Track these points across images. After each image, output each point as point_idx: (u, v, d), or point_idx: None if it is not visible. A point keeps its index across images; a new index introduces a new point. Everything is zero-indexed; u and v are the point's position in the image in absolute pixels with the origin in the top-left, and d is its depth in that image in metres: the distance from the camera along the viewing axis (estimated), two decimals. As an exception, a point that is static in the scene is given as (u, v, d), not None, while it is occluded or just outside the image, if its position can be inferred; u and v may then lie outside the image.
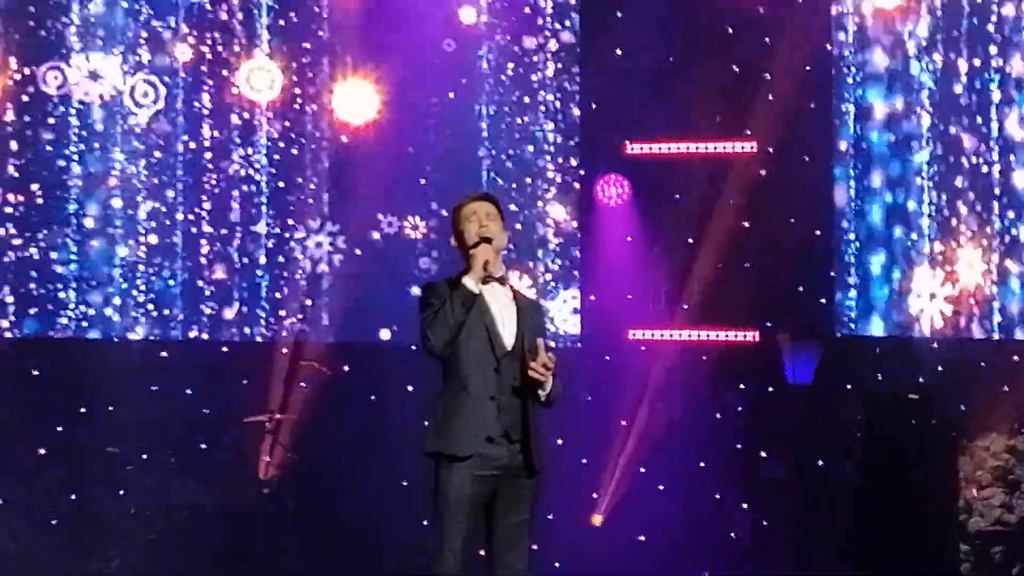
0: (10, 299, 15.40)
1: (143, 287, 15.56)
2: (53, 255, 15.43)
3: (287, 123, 15.86)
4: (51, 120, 15.50)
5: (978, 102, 16.21)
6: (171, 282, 15.62)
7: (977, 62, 16.23)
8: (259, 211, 15.82)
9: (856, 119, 16.23)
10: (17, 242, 15.41)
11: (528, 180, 16.16)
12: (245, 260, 15.77)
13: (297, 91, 15.94)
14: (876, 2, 16.18)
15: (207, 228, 15.71)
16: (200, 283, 15.72)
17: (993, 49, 16.28)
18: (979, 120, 16.23)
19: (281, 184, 15.84)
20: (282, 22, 15.93)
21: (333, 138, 15.91)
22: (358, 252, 15.91)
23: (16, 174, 15.45)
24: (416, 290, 11.03)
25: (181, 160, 15.74)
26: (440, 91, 15.95)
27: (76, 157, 15.51)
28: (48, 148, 15.48)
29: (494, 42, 16.11)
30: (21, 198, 15.42)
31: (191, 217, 15.70)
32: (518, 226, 15.73)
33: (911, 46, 16.27)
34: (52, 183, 15.47)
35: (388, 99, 15.89)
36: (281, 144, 15.89)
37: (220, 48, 15.83)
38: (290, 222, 15.83)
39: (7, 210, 15.41)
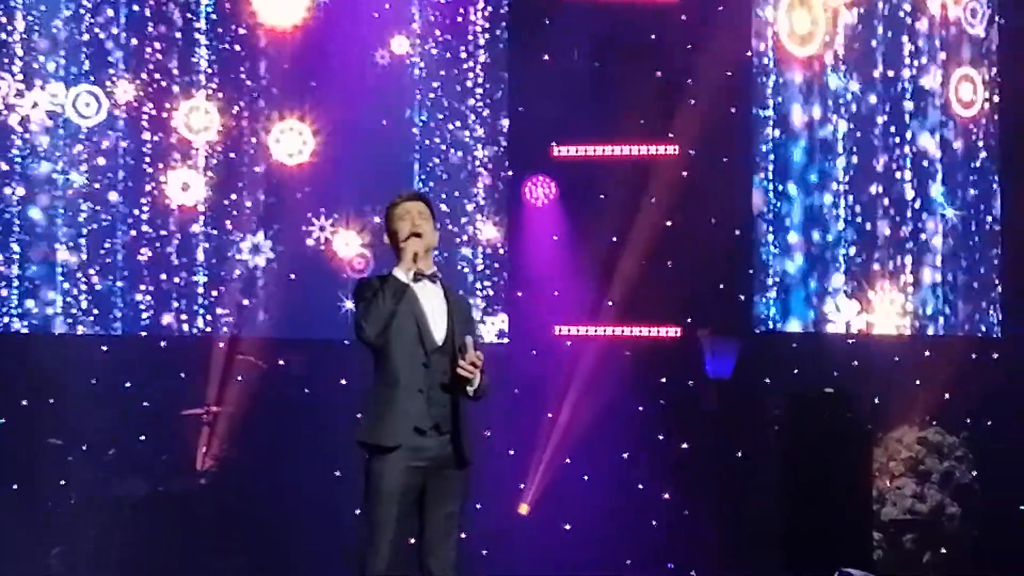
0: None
1: (84, 286, 15.36)
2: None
3: (228, 153, 15.76)
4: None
5: (892, 112, 16.39)
6: (110, 281, 15.43)
7: (891, 73, 16.41)
8: (198, 213, 15.63)
9: (775, 125, 16.30)
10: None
11: (458, 182, 16.09)
12: (183, 260, 15.58)
13: (234, 130, 15.82)
14: (793, 16, 16.24)
15: (146, 229, 15.50)
16: (140, 283, 15.53)
17: (906, 61, 16.47)
18: (893, 130, 16.41)
19: (219, 189, 15.66)
20: (216, 62, 15.78)
21: (269, 158, 15.82)
22: (293, 253, 15.77)
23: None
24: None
25: (122, 166, 15.51)
26: (372, 100, 15.84)
27: (19, 162, 15.28)
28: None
29: (425, 52, 16.02)
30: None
31: (131, 219, 15.50)
32: (449, 227, 15.68)
33: (828, 57, 16.39)
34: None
35: (322, 121, 15.82)
36: (219, 156, 15.73)
37: (159, 78, 15.71)
38: (228, 224, 15.66)
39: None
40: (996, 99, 16.88)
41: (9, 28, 15.30)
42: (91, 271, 15.45)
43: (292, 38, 15.89)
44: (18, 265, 15.30)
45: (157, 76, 15.64)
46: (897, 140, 16.50)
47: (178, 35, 15.69)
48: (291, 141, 15.86)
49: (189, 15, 15.69)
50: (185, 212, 15.66)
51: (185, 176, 15.66)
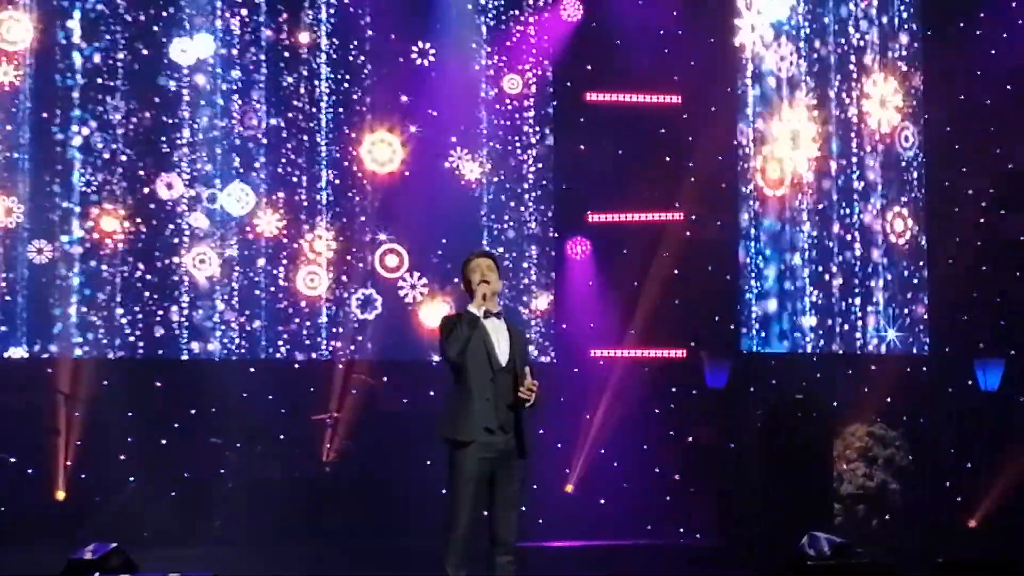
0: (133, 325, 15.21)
1: (236, 327, 15.38)
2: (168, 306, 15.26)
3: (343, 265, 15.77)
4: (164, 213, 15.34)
5: (843, 193, 16.36)
6: (256, 324, 15.45)
7: (843, 162, 16.38)
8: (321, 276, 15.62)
9: (755, 199, 16.23)
10: (151, 297, 15.23)
11: (518, 241, 16.09)
12: (311, 306, 15.56)
13: (346, 252, 15.77)
14: (770, 112, 16.23)
15: (282, 282, 15.48)
16: (278, 324, 15.55)
17: (854, 147, 16.46)
18: (844, 206, 16.38)
19: (337, 281, 15.67)
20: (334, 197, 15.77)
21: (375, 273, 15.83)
22: (393, 306, 15.77)
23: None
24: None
25: (262, 254, 15.56)
26: (451, 203, 15.91)
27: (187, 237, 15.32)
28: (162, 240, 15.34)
29: (491, 149, 16.06)
30: (142, 266, 15.22)
31: (275, 288, 15.51)
32: (510, 275, 15.73)
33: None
34: (170, 252, 15.28)
35: (414, 241, 15.87)
36: (336, 263, 15.75)
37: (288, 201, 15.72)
38: (344, 279, 15.63)
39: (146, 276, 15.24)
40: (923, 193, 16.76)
41: (179, 140, 15.29)
42: (242, 318, 15.43)
43: (390, 179, 15.84)
44: (186, 315, 15.29)
45: (285, 199, 15.62)
46: (848, 216, 16.44)
47: (303, 165, 15.70)
48: (390, 261, 15.84)
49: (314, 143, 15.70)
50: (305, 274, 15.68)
51: (313, 270, 15.62)
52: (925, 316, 16.63)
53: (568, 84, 16.23)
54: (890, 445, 16.20)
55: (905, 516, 15.98)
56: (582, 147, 16.17)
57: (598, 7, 16.20)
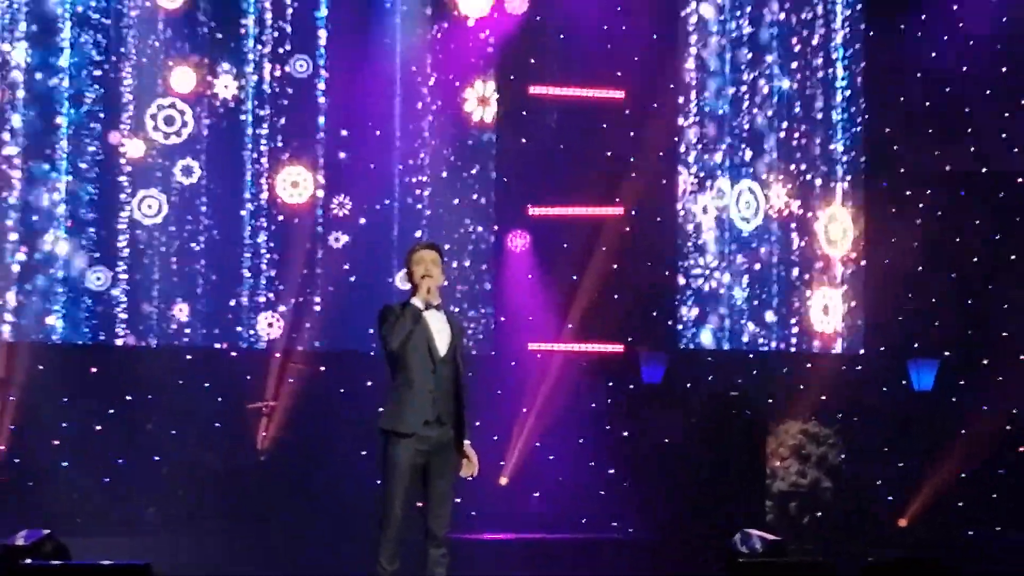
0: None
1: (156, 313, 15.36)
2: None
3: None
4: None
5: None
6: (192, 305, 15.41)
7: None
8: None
9: (693, 194, 16.31)
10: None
11: (459, 233, 16.09)
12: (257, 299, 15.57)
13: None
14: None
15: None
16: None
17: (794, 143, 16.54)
18: (782, 199, 16.46)
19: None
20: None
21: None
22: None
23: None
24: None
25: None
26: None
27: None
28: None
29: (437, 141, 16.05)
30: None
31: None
32: (453, 265, 15.72)
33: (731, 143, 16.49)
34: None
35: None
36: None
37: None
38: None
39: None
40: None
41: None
42: (187, 295, 15.44)
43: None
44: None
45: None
46: (782, 207, 16.56)
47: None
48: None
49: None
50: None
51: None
52: (861, 319, 16.73)
53: (512, 77, 16.23)
54: (823, 443, 16.32)
55: (837, 514, 16.11)
56: (524, 140, 16.18)
57: (543, 0, 16.22)
